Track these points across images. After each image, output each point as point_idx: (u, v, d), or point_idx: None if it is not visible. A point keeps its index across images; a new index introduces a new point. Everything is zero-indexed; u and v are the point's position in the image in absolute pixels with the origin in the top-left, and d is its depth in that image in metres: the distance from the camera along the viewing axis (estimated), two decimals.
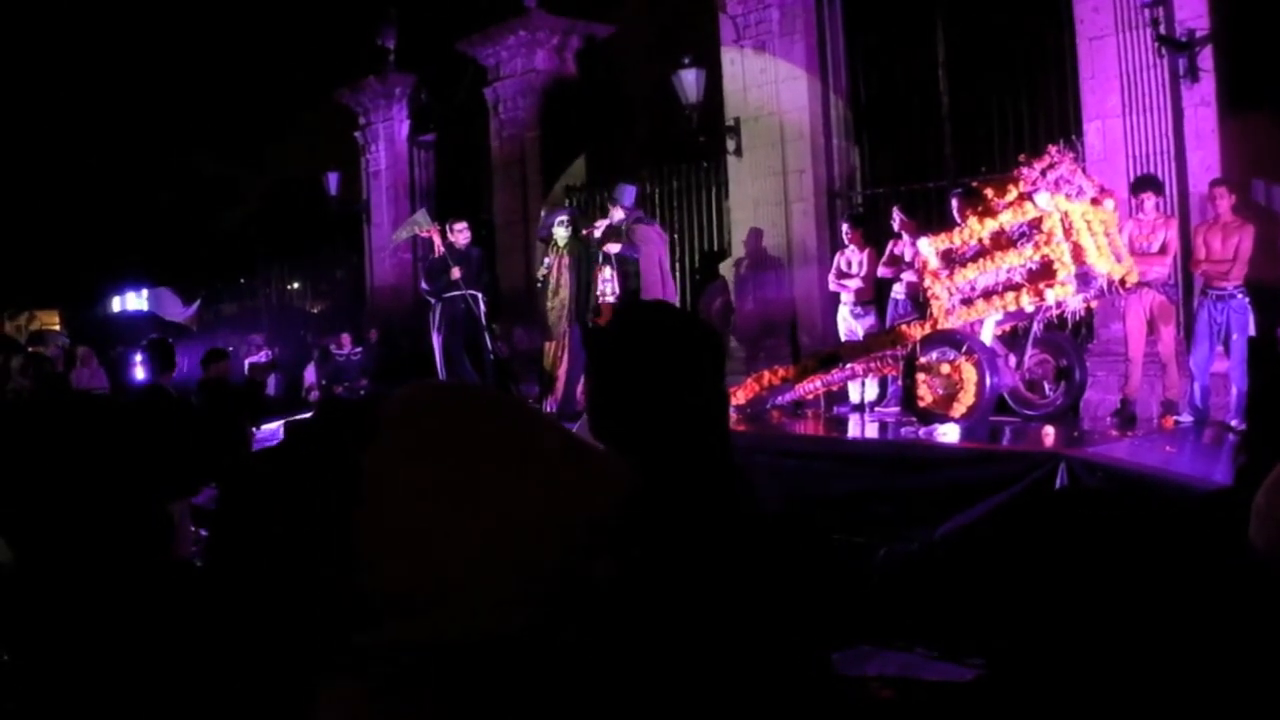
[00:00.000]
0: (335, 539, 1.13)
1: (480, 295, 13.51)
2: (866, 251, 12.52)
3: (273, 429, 12.81)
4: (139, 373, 11.89)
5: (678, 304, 13.54)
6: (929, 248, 10.37)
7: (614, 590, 1.32)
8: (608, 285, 12.78)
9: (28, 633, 1.64)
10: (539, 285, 13.47)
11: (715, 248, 16.51)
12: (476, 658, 1.18)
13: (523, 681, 1.20)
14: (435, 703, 1.17)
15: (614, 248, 12.78)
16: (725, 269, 15.73)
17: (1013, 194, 9.82)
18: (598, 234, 12.97)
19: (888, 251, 12.23)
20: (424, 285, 13.87)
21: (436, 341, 13.62)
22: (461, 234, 13.65)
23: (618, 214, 13.01)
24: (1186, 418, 10.06)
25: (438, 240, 13.66)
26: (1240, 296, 9.84)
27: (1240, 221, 9.95)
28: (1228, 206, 9.96)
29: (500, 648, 1.18)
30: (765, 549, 1.90)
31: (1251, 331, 9.84)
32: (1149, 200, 10.22)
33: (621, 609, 1.54)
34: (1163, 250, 10.14)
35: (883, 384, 12.19)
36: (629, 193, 13.31)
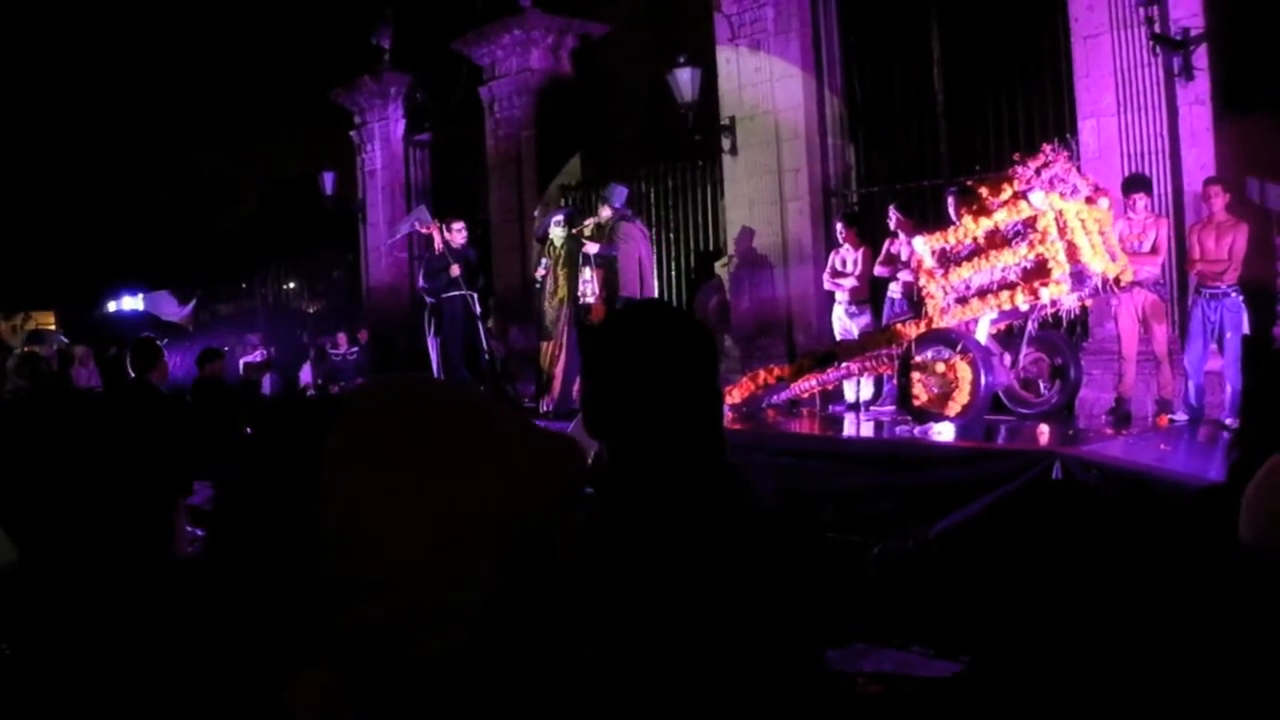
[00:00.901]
0: (299, 524, 1.15)
1: (476, 296, 13.54)
2: (861, 250, 12.52)
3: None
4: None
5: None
6: (924, 246, 10.39)
7: (607, 585, 1.33)
8: (588, 286, 12.80)
9: (31, 628, 1.65)
10: (536, 286, 13.50)
11: (711, 246, 16.51)
12: (445, 639, 1.19)
13: (496, 668, 1.21)
14: (405, 683, 1.19)
15: (593, 248, 12.81)
16: (720, 268, 15.74)
17: (1007, 193, 9.84)
18: (587, 233, 12.99)
19: (884, 250, 12.23)
20: (423, 284, 13.87)
21: (433, 341, 13.64)
22: (458, 234, 13.68)
23: (605, 213, 13.05)
24: (1181, 416, 10.07)
25: (438, 237, 13.68)
26: (1234, 295, 9.85)
27: (1234, 220, 9.96)
28: (1221, 205, 9.97)
29: (469, 631, 1.19)
30: (760, 546, 1.91)
31: (1246, 330, 9.85)
32: (1140, 200, 10.22)
33: (616, 605, 1.55)
34: (1154, 250, 10.15)
35: (878, 383, 12.20)
36: (620, 193, 13.33)
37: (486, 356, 13.76)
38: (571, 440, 1.37)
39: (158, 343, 9.72)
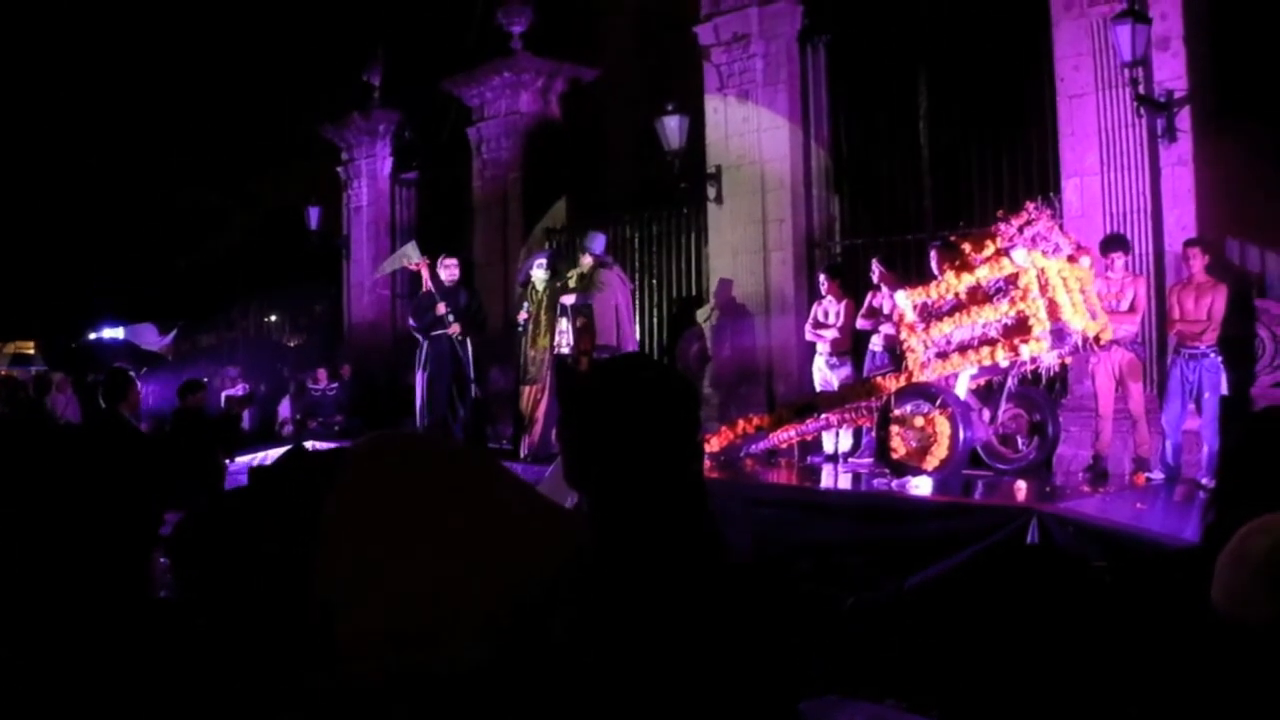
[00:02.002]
0: (291, 581, 1.13)
1: (463, 335, 13.47)
2: (844, 302, 12.53)
3: (246, 462, 12.76)
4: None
5: (636, 349, 13.56)
6: (906, 301, 10.44)
7: (579, 638, 1.32)
8: (564, 337, 12.81)
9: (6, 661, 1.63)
10: (519, 330, 13.47)
11: (693, 294, 16.54)
12: (432, 703, 1.18)
13: None
14: None
15: (570, 299, 12.83)
16: (702, 316, 15.76)
17: (990, 249, 9.90)
18: (572, 284, 13.01)
19: (866, 303, 12.24)
20: (411, 321, 13.87)
21: (420, 380, 13.63)
22: (450, 270, 13.67)
23: (586, 260, 13.09)
24: (1158, 475, 10.09)
25: (426, 274, 13.65)
26: (1213, 356, 9.90)
27: (1213, 282, 10.02)
28: (1200, 266, 10.03)
29: (453, 690, 1.18)
30: (734, 598, 1.91)
31: (1224, 390, 9.90)
32: (1118, 259, 10.30)
33: (589, 656, 1.54)
34: (1131, 308, 10.21)
35: (857, 435, 12.20)
36: (598, 240, 13.36)
37: (473, 398, 13.70)
38: (572, 513, 1.36)
39: (130, 374, 9.66)
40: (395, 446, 1.29)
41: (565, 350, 12.78)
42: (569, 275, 13.27)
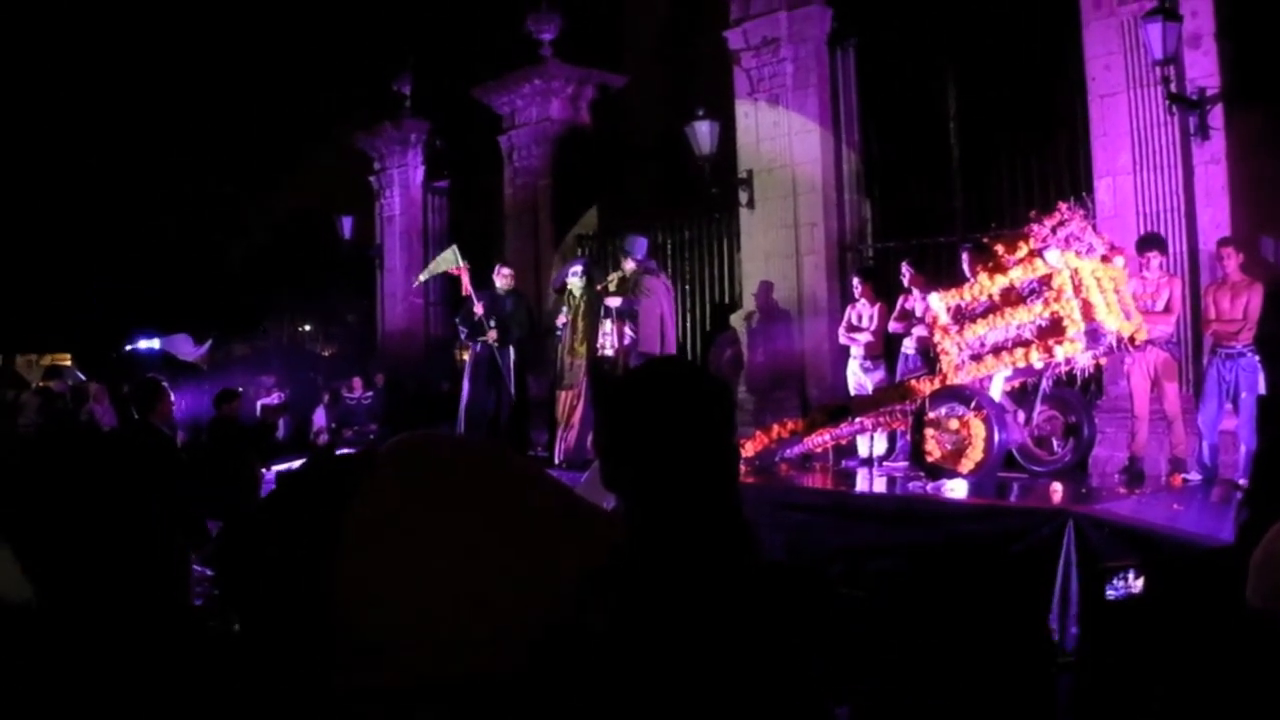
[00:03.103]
0: (317, 582, 1.14)
1: (500, 343, 13.57)
2: (877, 306, 12.51)
3: (282, 470, 12.86)
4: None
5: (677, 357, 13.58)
6: (939, 303, 10.40)
7: (615, 640, 1.33)
8: (607, 339, 12.83)
9: (47, 669, 1.65)
10: (557, 335, 13.52)
11: (726, 299, 16.53)
12: (458, 703, 1.18)
13: None
14: None
15: (614, 301, 12.84)
16: (736, 320, 15.74)
17: (1023, 250, 9.85)
18: (612, 287, 13.04)
19: (898, 306, 12.21)
20: (460, 328, 14.06)
21: (465, 387, 13.83)
22: (504, 279, 13.87)
23: (629, 265, 13.10)
24: (1195, 475, 10.02)
25: (466, 279, 13.75)
26: (1250, 355, 9.83)
27: (1249, 280, 9.94)
28: (1235, 265, 9.96)
29: (484, 693, 1.18)
30: (771, 601, 1.91)
31: (1261, 390, 9.82)
32: (1154, 259, 10.23)
33: (625, 658, 1.55)
34: (1167, 308, 10.14)
35: (891, 438, 12.16)
36: (640, 245, 13.37)
37: (510, 404, 13.75)
38: (609, 516, 1.36)
39: (160, 383, 9.69)
40: (424, 447, 1.30)
41: (609, 352, 12.82)
42: (609, 279, 13.30)
